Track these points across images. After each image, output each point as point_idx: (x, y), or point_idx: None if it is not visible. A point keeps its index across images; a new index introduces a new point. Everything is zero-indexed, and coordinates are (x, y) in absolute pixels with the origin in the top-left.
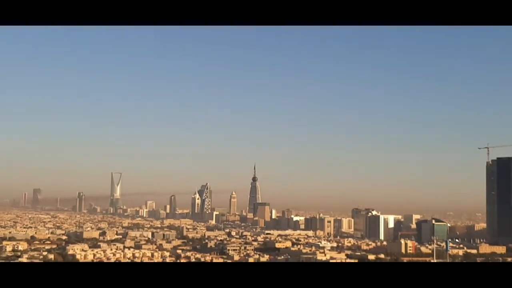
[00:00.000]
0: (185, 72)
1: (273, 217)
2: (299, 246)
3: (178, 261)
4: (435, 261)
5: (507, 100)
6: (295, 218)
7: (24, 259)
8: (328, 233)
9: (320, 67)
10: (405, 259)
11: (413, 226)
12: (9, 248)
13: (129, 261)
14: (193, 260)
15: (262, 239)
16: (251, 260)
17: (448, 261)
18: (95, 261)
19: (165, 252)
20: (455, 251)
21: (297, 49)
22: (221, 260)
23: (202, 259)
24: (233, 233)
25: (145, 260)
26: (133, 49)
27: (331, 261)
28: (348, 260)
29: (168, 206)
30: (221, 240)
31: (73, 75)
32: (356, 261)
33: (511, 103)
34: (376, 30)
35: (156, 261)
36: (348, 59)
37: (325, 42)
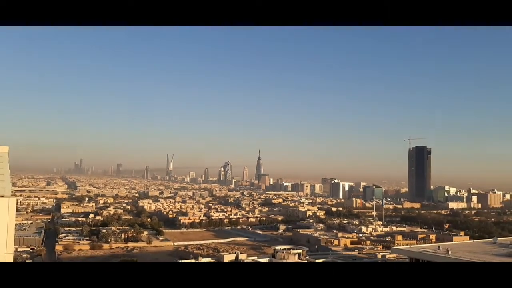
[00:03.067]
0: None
1: (271, 183)
2: (287, 202)
3: (209, 212)
4: (374, 212)
5: (424, 104)
6: (285, 184)
7: (111, 208)
8: (306, 194)
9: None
10: (355, 211)
11: (361, 189)
12: (101, 201)
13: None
14: (219, 210)
15: (264, 197)
16: (256, 211)
17: (383, 212)
18: (156, 210)
19: (201, 205)
20: (387, 206)
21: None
22: (237, 210)
23: (225, 209)
24: (245, 193)
25: (188, 210)
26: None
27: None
28: (319, 213)
29: (203, 175)
30: (237, 197)
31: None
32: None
33: (426, 107)
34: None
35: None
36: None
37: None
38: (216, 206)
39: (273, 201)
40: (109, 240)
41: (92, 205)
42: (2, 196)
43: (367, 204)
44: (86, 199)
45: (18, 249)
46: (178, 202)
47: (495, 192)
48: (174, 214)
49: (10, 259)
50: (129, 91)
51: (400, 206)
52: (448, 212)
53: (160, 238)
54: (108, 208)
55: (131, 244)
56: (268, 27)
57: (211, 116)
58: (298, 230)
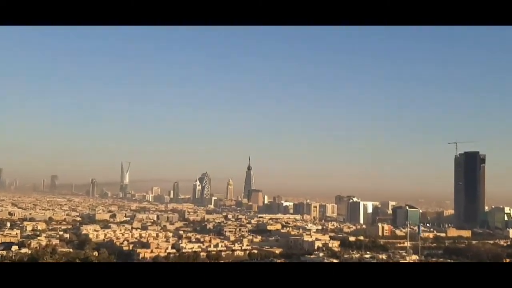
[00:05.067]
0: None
1: (265, 202)
2: (288, 228)
3: (179, 243)
4: (408, 243)
5: (474, 101)
6: (284, 203)
7: (42, 238)
8: (314, 217)
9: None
10: (382, 241)
11: (389, 211)
12: (29, 228)
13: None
14: (193, 240)
15: (255, 222)
16: (245, 241)
17: (419, 243)
18: (106, 240)
19: (168, 233)
20: (426, 234)
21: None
22: (218, 241)
23: (202, 239)
24: (230, 216)
25: (151, 240)
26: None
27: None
28: (332, 244)
29: (172, 192)
30: (218, 222)
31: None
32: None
33: (478, 105)
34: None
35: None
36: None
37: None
38: (190, 234)
39: (268, 227)
40: None
41: (16, 233)
42: None
43: (397, 232)
44: (8, 224)
45: None
46: (136, 228)
47: None
48: (131, 246)
49: None
50: (72, 84)
51: (443, 235)
52: (509, 243)
53: None
54: (39, 237)
55: None
56: (263, 28)
57: (187, 114)
58: None
